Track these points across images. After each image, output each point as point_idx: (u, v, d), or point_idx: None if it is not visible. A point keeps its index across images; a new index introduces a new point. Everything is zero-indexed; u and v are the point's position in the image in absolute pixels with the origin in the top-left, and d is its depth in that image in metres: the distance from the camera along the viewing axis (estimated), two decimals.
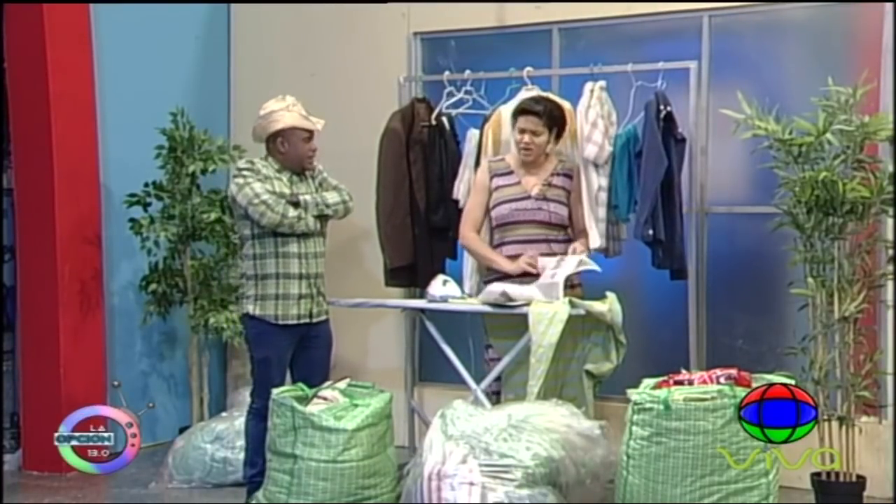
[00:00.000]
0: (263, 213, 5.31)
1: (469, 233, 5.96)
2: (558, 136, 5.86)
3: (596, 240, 5.81)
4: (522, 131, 5.76)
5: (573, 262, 5.64)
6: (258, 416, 5.46)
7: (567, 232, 5.89)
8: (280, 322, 5.42)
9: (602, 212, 5.89)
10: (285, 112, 5.45)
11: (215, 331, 6.75)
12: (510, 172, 5.89)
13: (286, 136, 5.45)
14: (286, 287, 5.43)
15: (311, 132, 5.47)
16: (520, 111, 5.79)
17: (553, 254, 5.79)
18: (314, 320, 5.52)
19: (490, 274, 5.92)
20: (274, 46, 7.53)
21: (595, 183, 5.88)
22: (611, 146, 5.90)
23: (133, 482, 6.25)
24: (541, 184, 5.84)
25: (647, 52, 6.23)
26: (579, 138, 5.91)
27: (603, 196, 5.90)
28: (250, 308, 5.46)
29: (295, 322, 5.45)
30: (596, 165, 5.88)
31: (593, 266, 5.65)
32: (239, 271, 5.69)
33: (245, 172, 5.39)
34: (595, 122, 5.87)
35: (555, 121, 5.82)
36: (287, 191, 5.42)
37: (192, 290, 6.83)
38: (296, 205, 5.39)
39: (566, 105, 6.04)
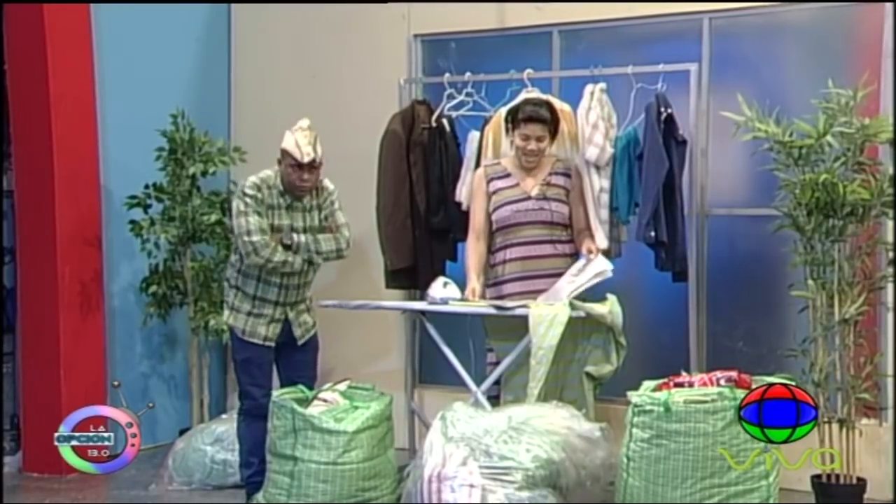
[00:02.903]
0: (249, 253, 5.27)
1: (469, 241, 5.97)
2: (553, 137, 5.87)
3: (603, 240, 5.81)
4: (527, 138, 5.75)
5: (592, 271, 5.65)
6: (247, 417, 5.48)
7: (569, 231, 5.89)
8: (247, 339, 5.42)
9: (604, 213, 5.90)
10: (290, 133, 5.34)
11: (215, 332, 6.74)
12: (508, 175, 5.89)
13: (282, 156, 5.36)
14: (261, 308, 5.41)
15: (297, 162, 5.27)
16: (526, 118, 5.75)
17: (557, 255, 5.79)
18: (299, 343, 5.49)
19: (492, 278, 5.92)
20: (274, 48, 7.52)
21: (597, 185, 5.88)
22: (612, 148, 5.90)
23: (133, 484, 6.25)
24: (540, 184, 5.84)
25: (647, 54, 6.23)
26: (580, 140, 5.91)
27: (605, 198, 5.90)
28: (226, 314, 5.49)
29: (260, 342, 5.43)
30: (597, 167, 5.88)
31: (609, 273, 5.66)
32: (224, 274, 5.66)
33: (248, 199, 5.28)
34: (596, 123, 5.87)
35: (556, 124, 5.84)
36: (286, 222, 5.36)
37: (192, 292, 6.83)
38: (287, 247, 5.34)
39: (565, 107, 6.05)
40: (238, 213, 5.31)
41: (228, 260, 5.62)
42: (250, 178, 5.39)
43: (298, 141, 5.28)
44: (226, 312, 5.50)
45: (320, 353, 5.72)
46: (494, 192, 5.88)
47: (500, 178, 5.90)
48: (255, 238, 5.25)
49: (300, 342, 5.50)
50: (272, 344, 5.45)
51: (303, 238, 5.38)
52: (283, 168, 5.36)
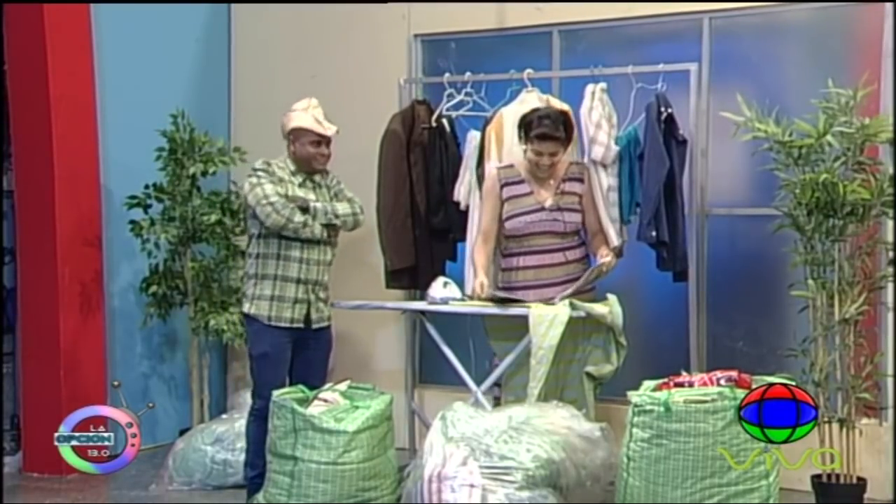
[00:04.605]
0: (269, 214, 5.33)
1: (477, 241, 5.92)
2: (567, 146, 5.83)
3: (615, 238, 5.79)
4: (540, 154, 5.69)
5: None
6: (258, 417, 5.47)
7: (580, 236, 5.87)
8: (272, 323, 5.43)
9: (614, 211, 5.89)
10: (301, 112, 5.51)
11: (216, 333, 6.74)
12: (521, 181, 5.83)
13: (297, 136, 5.50)
14: (283, 289, 5.43)
15: (321, 136, 5.48)
16: (540, 136, 5.67)
17: (567, 262, 5.77)
18: (313, 326, 5.51)
19: (503, 282, 5.90)
20: (274, 48, 7.53)
21: (605, 183, 5.86)
22: (617, 146, 5.89)
23: (133, 484, 6.25)
24: (553, 193, 5.79)
25: (647, 54, 6.23)
26: (585, 140, 5.90)
27: (613, 196, 5.89)
28: (246, 307, 5.49)
29: (287, 325, 5.45)
30: (603, 166, 5.87)
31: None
32: (242, 269, 5.70)
33: (259, 173, 5.43)
34: (599, 122, 5.87)
35: (571, 136, 5.79)
36: (300, 194, 5.44)
37: (192, 292, 6.83)
38: (305, 210, 5.40)
39: (564, 107, 6.03)
40: (252, 186, 5.40)
41: (246, 252, 5.64)
42: (257, 161, 5.58)
43: (317, 117, 5.51)
44: (246, 305, 5.49)
45: None
46: (507, 199, 5.82)
47: (513, 183, 5.84)
48: (273, 199, 5.35)
49: (314, 326, 5.51)
50: (300, 325, 5.46)
51: (318, 204, 5.47)
52: (299, 147, 5.50)
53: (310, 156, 5.49)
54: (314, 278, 5.50)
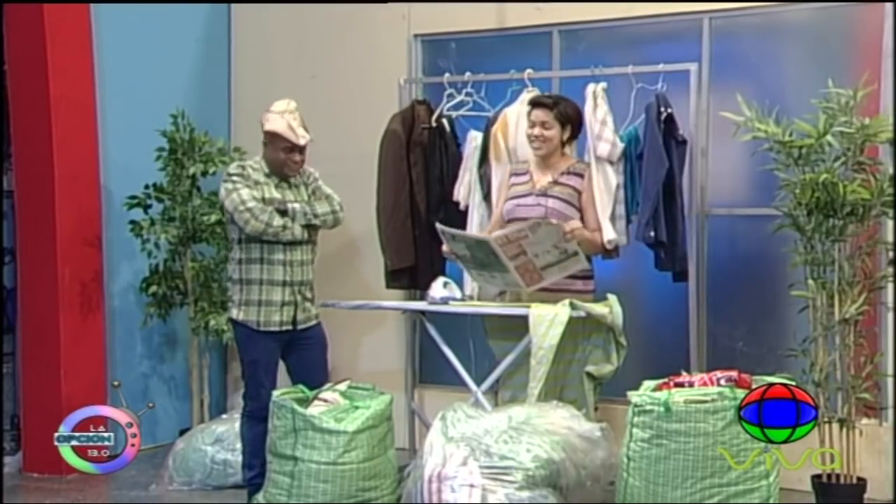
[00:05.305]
0: (248, 220, 5.28)
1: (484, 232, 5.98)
2: (573, 136, 5.83)
3: (610, 232, 5.73)
4: (533, 124, 5.73)
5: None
6: (252, 419, 5.47)
7: None
8: (262, 328, 5.41)
9: (621, 209, 5.88)
10: (278, 116, 5.39)
11: (216, 333, 6.74)
12: (526, 172, 5.87)
13: (270, 140, 5.41)
14: (269, 293, 5.40)
15: (293, 144, 5.36)
16: (531, 104, 5.77)
17: None
18: (300, 327, 5.49)
19: None
20: (274, 48, 7.53)
21: (613, 180, 5.84)
22: (622, 143, 5.89)
23: (133, 484, 6.25)
24: (549, 181, 5.79)
25: (647, 54, 6.23)
26: (590, 138, 5.90)
27: (621, 193, 5.88)
28: (234, 312, 5.46)
29: (277, 329, 5.43)
30: (610, 163, 5.86)
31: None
32: (226, 274, 5.66)
33: (234, 178, 5.36)
34: (604, 120, 5.87)
35: (567, 117, 5.75)
36: (277, 196, 5.40)
37: (192, 292, 6.83)
38: (283, 213, 5.36)
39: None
40: (228, 192, 5.34)
41: (229, 257, 5.62)
42: (231, 165, 5.55)
43: (291, 124, 5.37)
44: (234, 311, 5.45)
45: None
46: (510, 187, 5.88)
47: (519, 174, 5.89)
48: (251, 204, 5.29)
49: (300, 326, 5.49)
50: (289, 328, 5.44)
51: (297, 205, 5.41)
52: (271, 151, 5.42)
53: (281, 162, 5.40)
54: (300, 279, 5.46)
